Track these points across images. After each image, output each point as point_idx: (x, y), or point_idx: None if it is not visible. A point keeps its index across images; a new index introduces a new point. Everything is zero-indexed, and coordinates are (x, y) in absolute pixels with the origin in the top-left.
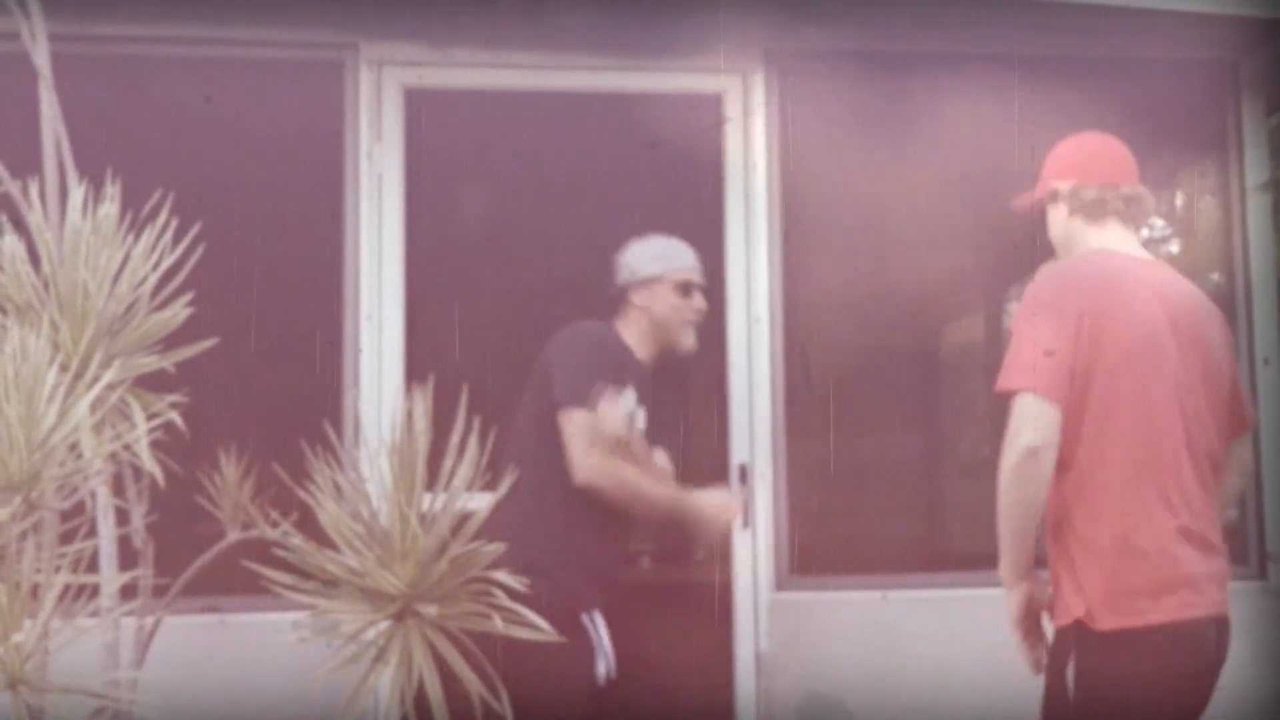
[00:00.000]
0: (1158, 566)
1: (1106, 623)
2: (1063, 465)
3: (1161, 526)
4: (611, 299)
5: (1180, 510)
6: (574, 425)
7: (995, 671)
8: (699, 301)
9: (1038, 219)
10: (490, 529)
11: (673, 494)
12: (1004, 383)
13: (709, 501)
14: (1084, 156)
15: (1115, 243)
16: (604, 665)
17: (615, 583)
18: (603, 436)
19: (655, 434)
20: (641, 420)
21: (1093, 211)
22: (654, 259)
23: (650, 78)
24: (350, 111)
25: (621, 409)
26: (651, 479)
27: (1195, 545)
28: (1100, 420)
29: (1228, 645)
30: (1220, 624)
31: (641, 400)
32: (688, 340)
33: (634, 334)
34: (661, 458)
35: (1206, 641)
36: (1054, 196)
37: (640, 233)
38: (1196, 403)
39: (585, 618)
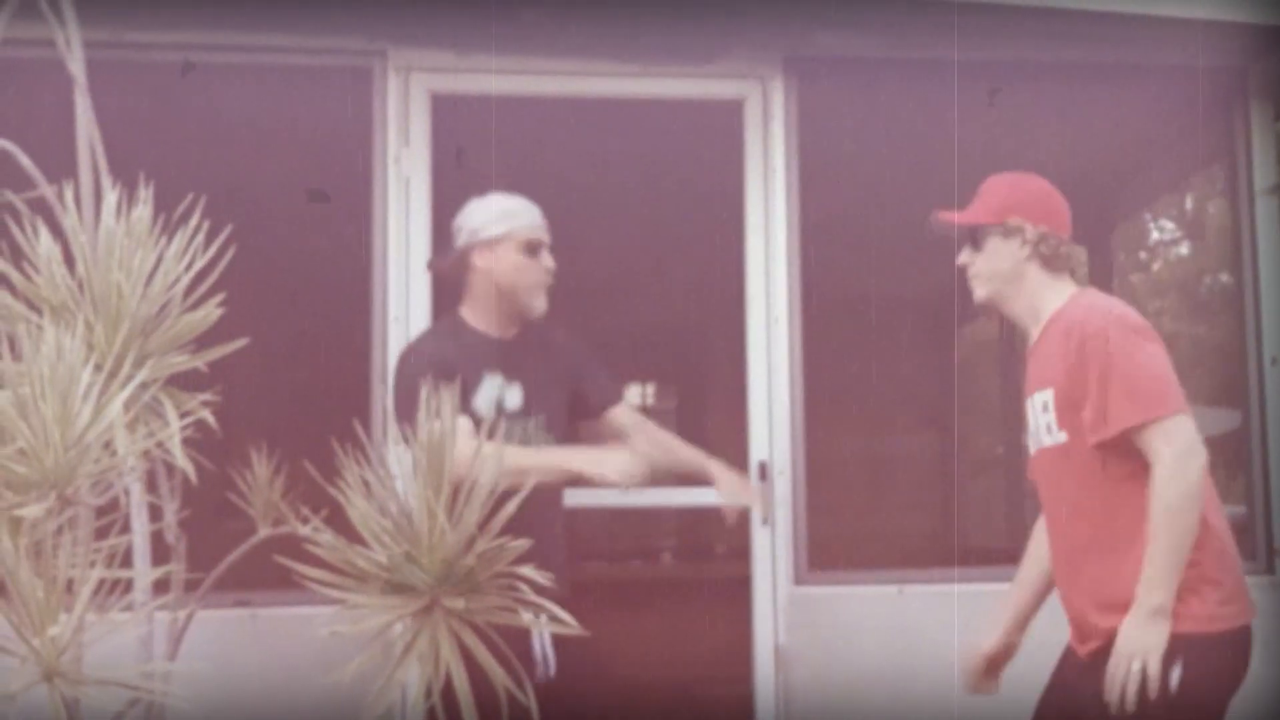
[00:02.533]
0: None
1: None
2: None
3: None
4: (451, 266)
5: None
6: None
7: (1008, 665)
8: (547, 261)
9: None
10: None
11: (559, 455)
12: (1153, 411)
13: (612, 460)
14: (1049, 204)
15: (1069, 289)
16: (541, 668)
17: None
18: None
19: (539, 404)
20: (516, 399)
21: (1055, 265)
22: (496, 218)
23: (671, 83)
24: (378, 116)
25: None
26: (532, 451)
27: None
28: None
29: None
30: None
31: (511, 376)
32: (538, 304)
33: (480, 304)
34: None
35: None
36: (1012, 232)
37: (659, 234)
38: None
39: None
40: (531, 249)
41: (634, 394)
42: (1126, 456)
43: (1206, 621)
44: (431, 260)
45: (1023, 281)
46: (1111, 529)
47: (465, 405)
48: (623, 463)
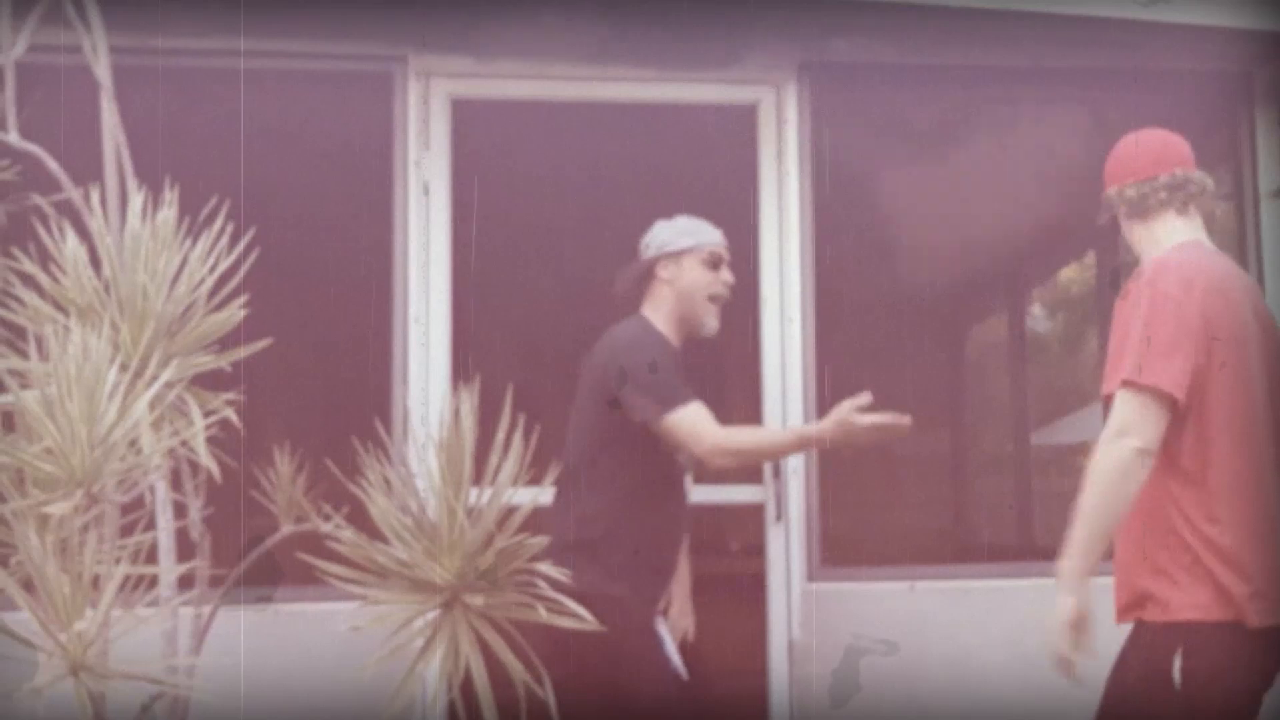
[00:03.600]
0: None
1: (1257, 620)
2: (1175, 464)
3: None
4: (636, 277)
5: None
6: (682, 425)
7: (1017, 658)
8: (727, 275)
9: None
10: (567, 527)
11: (791, 438)
12: (1119, 375)
13: (840, 423)
14: (1119, 159)
15: (1178, 234)
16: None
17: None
18: (704, 428)
19: None
20: None
21: (1139, 211)
22: (682, 233)
23: (687, 88)
24: (399, 121)
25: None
26: (767, 434)
27: None
28: (1216, 420)
29: None
30: None
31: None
32: (712, 320)
33: (662, 313)
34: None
35: None
36: (1108, 207)
37: None
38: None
39: (658, 622)
40: (713, 263)
41: None
42: None
43: (1202, 610)
44: (617, 276)
45: (1136, 242)
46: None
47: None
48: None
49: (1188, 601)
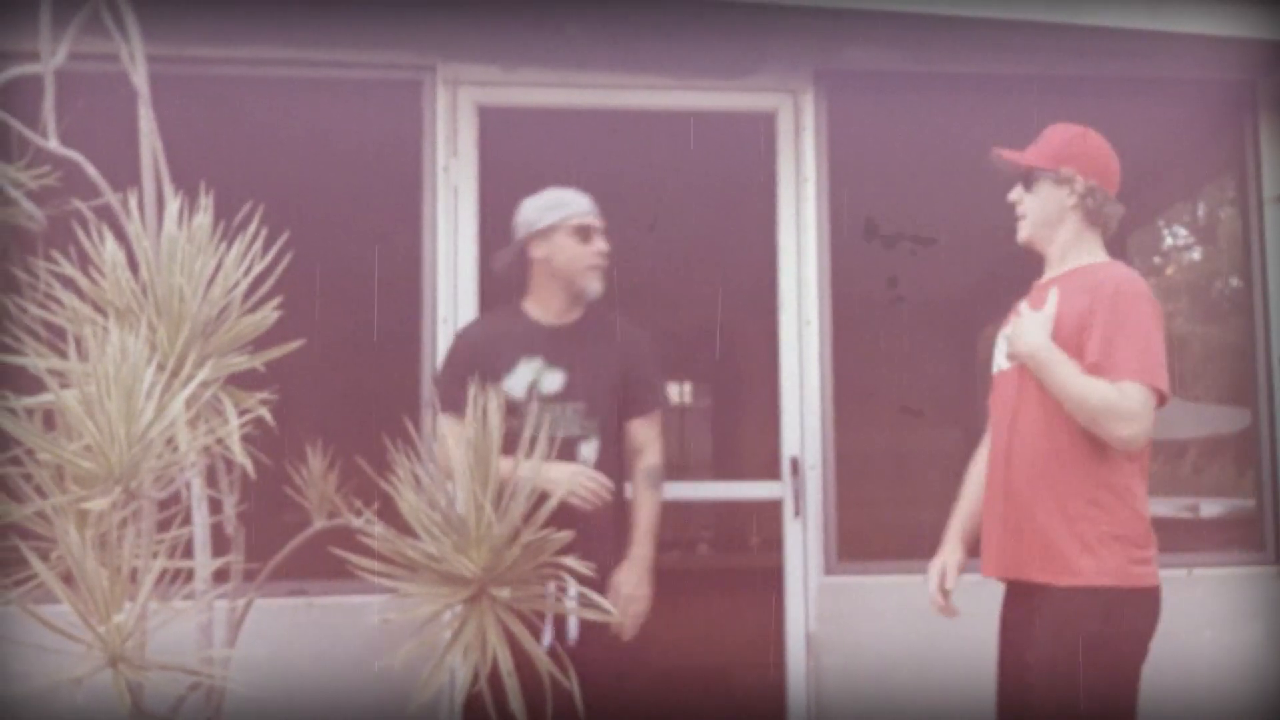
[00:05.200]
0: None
1: (1155, 580)
2: (1109, 450)
3: None
4: (512, 261)
5: None
6: (439, 429)
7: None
8: (599, 244)
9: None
10: None
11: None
12: (1145, 378)
13: (554, 472)
14: (1101, 160)
15: (1104, 253)
16: (548, 635)
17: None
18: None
19: (581, 391)
20: (555, 384)
21: (1095, 220)
22: (547, 208)
23: (706, 96)
24: (428, 128)
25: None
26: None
27: None
28: None
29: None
30: None
31: (554, 362)
32: (593, 286)
33: (540, 293)
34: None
35: None
36: (1063, 181)
37: (696, 239)
38: None
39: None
40: (583, 234)
41: (671, 393)
42: None
43: (1119, 576)
44: (493, 258)
45: (1062, 227)
46: (1082, 446)
47: (494, 385)
48: (570, 480)
49: (1105, 568)
